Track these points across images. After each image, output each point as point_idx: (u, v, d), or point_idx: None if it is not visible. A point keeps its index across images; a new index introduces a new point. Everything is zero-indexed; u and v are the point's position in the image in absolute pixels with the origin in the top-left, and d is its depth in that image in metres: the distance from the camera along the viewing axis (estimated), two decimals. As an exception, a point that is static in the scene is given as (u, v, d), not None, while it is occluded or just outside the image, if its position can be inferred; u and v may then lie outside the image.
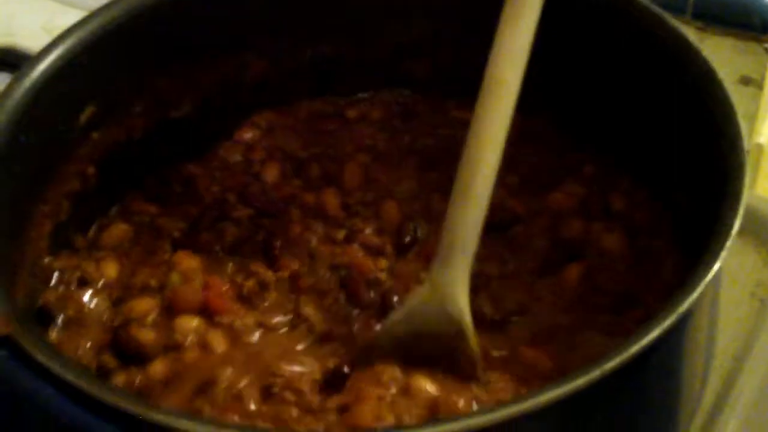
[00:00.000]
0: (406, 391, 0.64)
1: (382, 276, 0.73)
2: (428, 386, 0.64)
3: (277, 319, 0.71)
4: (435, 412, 0.62)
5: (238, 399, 0.65)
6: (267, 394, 0.65)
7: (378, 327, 0.69)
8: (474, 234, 0.65)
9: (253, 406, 0.64)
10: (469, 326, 0.65)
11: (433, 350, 0.65)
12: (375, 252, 0.75)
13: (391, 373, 0.64)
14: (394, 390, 0.64)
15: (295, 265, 0.73)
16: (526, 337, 0.69)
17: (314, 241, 0.75)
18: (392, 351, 0.65)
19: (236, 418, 0.63)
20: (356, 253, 0.74)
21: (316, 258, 0.74)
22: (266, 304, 0.72)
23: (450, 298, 0.64)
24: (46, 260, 0.73)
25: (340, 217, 0.77)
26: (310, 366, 0.67)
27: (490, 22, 0.69)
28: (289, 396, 0.64)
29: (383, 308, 0.70)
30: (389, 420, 0.61)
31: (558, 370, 0.66)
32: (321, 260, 0.74)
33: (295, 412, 0.64)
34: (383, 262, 0.74)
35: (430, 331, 0.65)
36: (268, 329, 0.70)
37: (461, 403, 0.63)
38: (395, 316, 0.67)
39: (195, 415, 0.62)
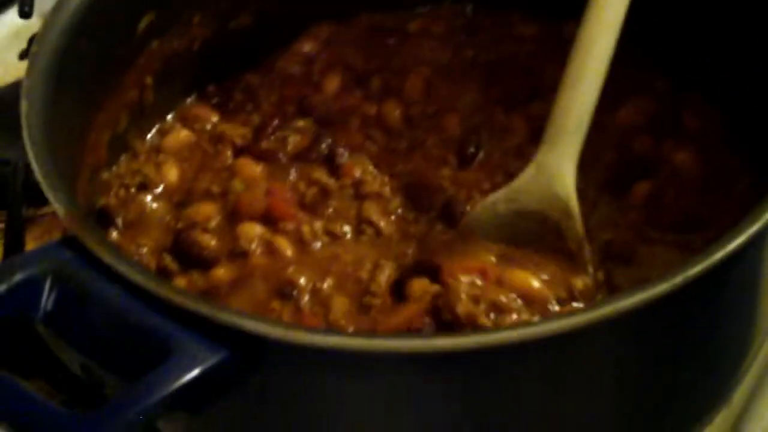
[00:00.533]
0: (500, 282, 0.63)
1: (446, 183, 0.72)
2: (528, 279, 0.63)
3: (343, 225, 0.70)
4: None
5: (324, 304, 0.65)
6: (357, 299, 0.65)
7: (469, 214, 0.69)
8: (584, 116, 0.65)
9: (342, 309, 0.64)
10: (575, 206, 0.65)
11: (536, 230, 0.64)
12: (437, 162, 0.73)
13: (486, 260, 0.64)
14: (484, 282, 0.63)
15: (357, 173, 0.72)
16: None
17: (376, 150, 0.74)
18: (493, 229, 0.65)
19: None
20: (419, 162, 0.73)
21: (379, 166, 0.73)
22: (330, 210, 0.71)
23: (557, 178, 0.65)
24: (107, 164, 0.73)
25: (402, 128, 0.76)
26: (387, 269, 0.66)
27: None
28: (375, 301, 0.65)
29: (447, 215, 0.69)
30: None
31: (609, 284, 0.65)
32: (383, 168, 0.73)
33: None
34: (446, 171, 0.73)
35: (534, 210, 0.65)
36: (334, 236, 0.69)
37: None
38: (499, 194, 0.67)
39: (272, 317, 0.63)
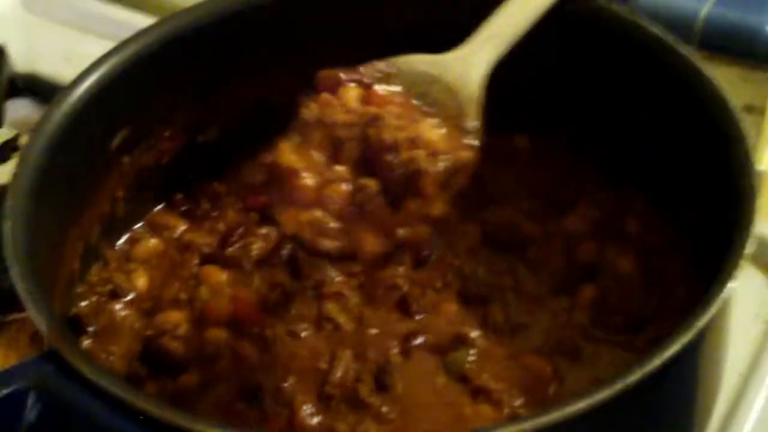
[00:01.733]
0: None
1: (401, 281, 0.76)
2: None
3: (304, 324, 0.73)
4: None
5: (287, 404, 0.68)
6: (322, 397, 0.68)
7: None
8: (513, 29, 0.73)
9: (307, 410, 0.67)
10: (480, 95, 0.71)
11: (440, 100, 0.70)
12: (394, 262, 0.77)
13: None
14: None
15: (317, 275, 0.76)
16: (533, 346, 0.72)
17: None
18: (408, 79, 0.70)
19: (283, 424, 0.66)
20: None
21: (338, 267, 0.76)
22: (293, 312, 0.74)
23: (474, 66, 0.71)
24: (79, 274, 0.76)
25: None
26: (346, 362, 0.70)
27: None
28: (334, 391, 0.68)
29: (402, 309, 0.74)
30: None
31: (559, 380, 0.70)
32: (342, 269, 0.76)
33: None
34: (402, 270, 0.77)
35: (447, 82, 0.71)
36: (295, 335, 0.73)
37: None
38: (426, 57, 0.72)
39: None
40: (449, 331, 0.73)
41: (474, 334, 0.72)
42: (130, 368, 0.71)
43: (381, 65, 0.70)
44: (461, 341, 0.72)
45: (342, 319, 0.73)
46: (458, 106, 0.70)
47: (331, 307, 0.74)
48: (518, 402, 0.69)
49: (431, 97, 0.71)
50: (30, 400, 0.55)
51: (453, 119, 0.70)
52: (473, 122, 0.70)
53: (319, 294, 0.75)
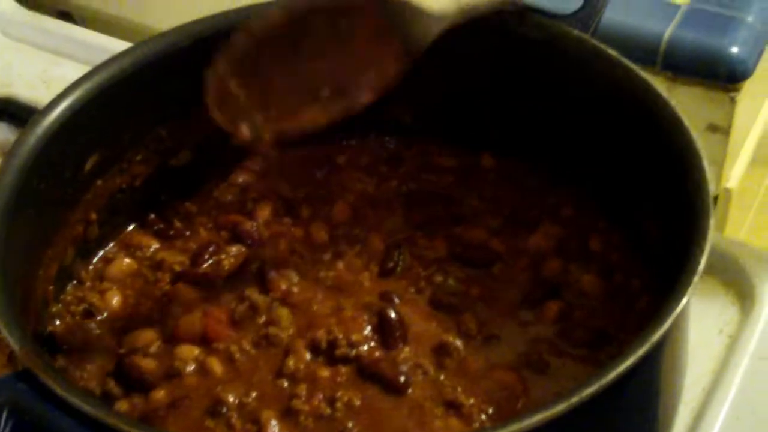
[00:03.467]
0: None
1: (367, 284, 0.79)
2: None
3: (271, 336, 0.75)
4: None
5: (254, 421, 0.69)
6: (287, 412, 0.69)
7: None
8: None
9: (273, 429, 0.69)
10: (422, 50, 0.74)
11: (396, 35, 0.73)
12: (359, 270, 0.80)
13: None
14: None
15: (284, 286, 0.78)
16: (504, 358, 0.73)
17: (301, 263, 0.80)
18: None
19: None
20: (341, 269, 0.80)
21: (304, 276, 0.79)
22: (260, 322, 0.76)
23: (434, 25, 0.73)
24: (54, 294, 0.77)
25: (327, 244, 0.82)
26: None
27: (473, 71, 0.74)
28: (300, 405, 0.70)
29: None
30: None
31: (525, 391, 0.71)
32: (308, 277, 0.79)
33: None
34: (366, 277, 0.79)
35: (405, 24, 0.73)
36: (259, 347, 0.74)
37: None
38: None
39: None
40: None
41: (455, 342, 0.74)
42: (104, 386, 0.72)
43: None
44: (444, 350, 0.74)
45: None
46: (401, 54, 0.72)
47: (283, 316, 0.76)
48: (488, 415, 0.70)
49: (388, 34, 0.73)
50: (3, 418, 0.56)
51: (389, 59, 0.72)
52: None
53: (285, 304, 0.77)
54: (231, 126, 0.75)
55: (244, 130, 0.75)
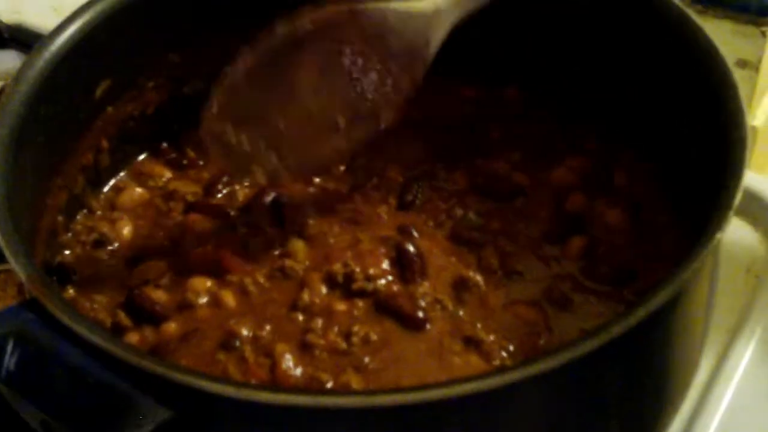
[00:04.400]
0: None
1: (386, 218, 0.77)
2: None
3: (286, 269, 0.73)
4: None
5: (268, 354, 0.67)
6: (302, 346, 0.68)
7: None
8: None
9: (288, 363, 0.67)
10: (430, 57, 0.72)
11: (394, 47, 0.71)
12: (377, 202, 0.78)
13: None
14: None
15: (300, 218, 0.76)
16: (526, 294, 0.72)
17: (318, 195, 0.79)
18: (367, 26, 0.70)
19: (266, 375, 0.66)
20: (359, 202, 0.78)
21: (321, 209, 0.77)
22: (275, 254, 0.74)
23: (435, 28, 0.72)
24: (64, 223, 0.76)
25: (345, 175, 0.81)
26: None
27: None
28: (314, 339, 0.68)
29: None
30: None
31: (549, 330, 0.70)
32: (325, 211, 0.77)
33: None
34: (384, 209, 0.77)
35: (406, 37, 0.71)
36: (275, 281, 0.73)
37: None
38: (388, 5, 0.71)
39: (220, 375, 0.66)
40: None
41: (475, 277, 0.72)
42: (114, 318, 0.71)
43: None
44: (463, 285, 0.72)
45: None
46: (409, 63, 0.70)
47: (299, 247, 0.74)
48: (508, 352, 0.68)
49: (385, 47, 0.70)
50: (9, 347, 0.55)
51: (397, 71, 0.69)
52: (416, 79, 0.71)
53: (301, 237, 0.75)
54: (243, 175, 0.74)
55: (259, 177, 0.73)
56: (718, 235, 0.58)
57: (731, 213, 0.59)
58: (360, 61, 0.72)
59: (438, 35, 0.71)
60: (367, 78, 0.72)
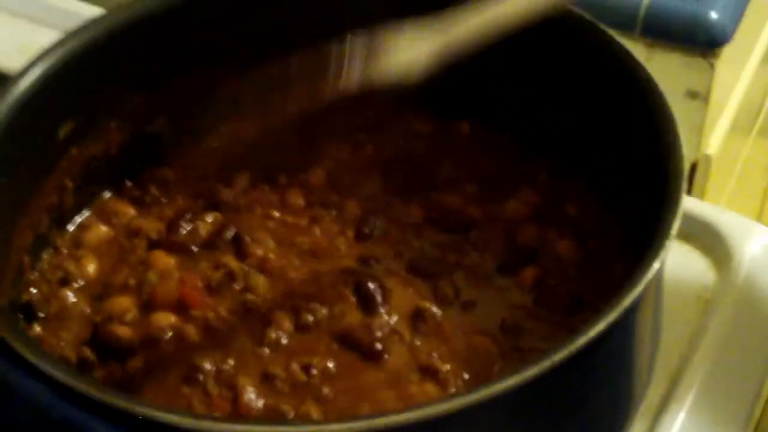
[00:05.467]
0: None
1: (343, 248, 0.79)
2: None
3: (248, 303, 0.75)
4: None
5: (230, 387, 0.69)
6: (263, 378, 0.70)
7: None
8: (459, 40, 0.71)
9: (249, 395, 0.69)
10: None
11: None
12: (335, 235, 0.80)
13: None
14: None
15: (260, 252, 0.78)
16: (481, 324, 0.74)
17: (277, 228, 0.81)
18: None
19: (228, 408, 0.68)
20: (317, 235, 0.80)
21: (280, 241, 0.79)
22: (238, 288, 0.76)
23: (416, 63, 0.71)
24: (30, 262, 0.77)
25: (303, 209, 0.83)
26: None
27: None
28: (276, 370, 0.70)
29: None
30: None
31: (502, 356, 0.72)
32: (284, 242, 0.79)
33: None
34: (342, 241, 0.80)
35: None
36: (238, 314, 0.74)
37: None
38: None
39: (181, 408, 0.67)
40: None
41: (431, 308, 0.74)
42: (80, 354, 0.72)
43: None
44: (420, 315, 0.74)
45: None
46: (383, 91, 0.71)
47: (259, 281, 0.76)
48: (464, 381, 0.70)
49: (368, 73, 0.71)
50: (-26, 386, 0.56)
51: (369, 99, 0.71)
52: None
53: (263, 270, 0.77)
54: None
55: None
56: (656, 265, 0.60)
57: (668, 244, 0.61)
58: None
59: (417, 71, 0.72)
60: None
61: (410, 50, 0.71)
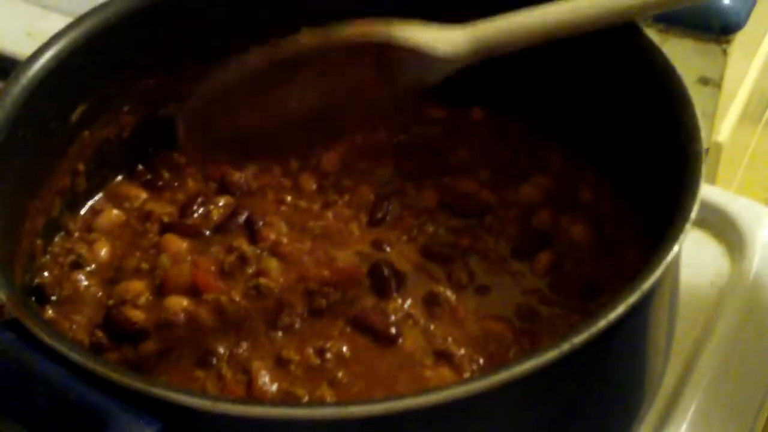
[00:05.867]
0: None
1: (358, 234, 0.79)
2: None
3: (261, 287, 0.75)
4: None
5: (244, 371, 0.69)
6: (277, 362, 0.69)
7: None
8: (501, 32, 0.71)
9: (264, 378, 0.69)
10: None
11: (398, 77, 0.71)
12: (348, 219, 0.80)
13: None
14: None
15: (272, 236, 0.78)
16: (495, 309, 0.74)
17: (290, 212, 0.81)
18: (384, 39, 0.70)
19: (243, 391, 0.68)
20: (329, 219, 0.80)
21: (293, 225, 0.79)
22: (250, 271, 0.76)
23: (444, 68, 0.71)
24: (42, 246, 0.77)
25: (316, 194, 0.83)
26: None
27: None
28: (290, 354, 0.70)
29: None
30: None
31: (516, 341, 0.71)
32: (296, 226, 0.79)
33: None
34: (355, 226, 0.79)
35: (408, 64, 0.70)
36: (251, 298, 0.74)
37: None
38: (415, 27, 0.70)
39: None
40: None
41: (445, 292, 0.74)
42: (93, 337, 0.72)
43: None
44: (435, 300, 0.74)
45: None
46: (402, 93, 0.71)
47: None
48: (479, 365, 0.70)
49: (390, 76, 0.71)
50: (-9, 367, 0.56)
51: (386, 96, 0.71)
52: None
53: (275, 254, 0.77)
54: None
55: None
56: (675, 249, 0.60)
57: (687, 227, 0.61)
58: (355, 81, 0.72)
59: (443, 75, 0.72)
60: (354, 94, 0.73)
61: (446, 40, 0.70)
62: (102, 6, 0.78)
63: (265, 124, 0.72)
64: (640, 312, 0.61)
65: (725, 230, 0.91)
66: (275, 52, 0.70)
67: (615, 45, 0.76)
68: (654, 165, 0.72)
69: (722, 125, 1.19)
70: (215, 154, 0.75)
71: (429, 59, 0.70)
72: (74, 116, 0.77)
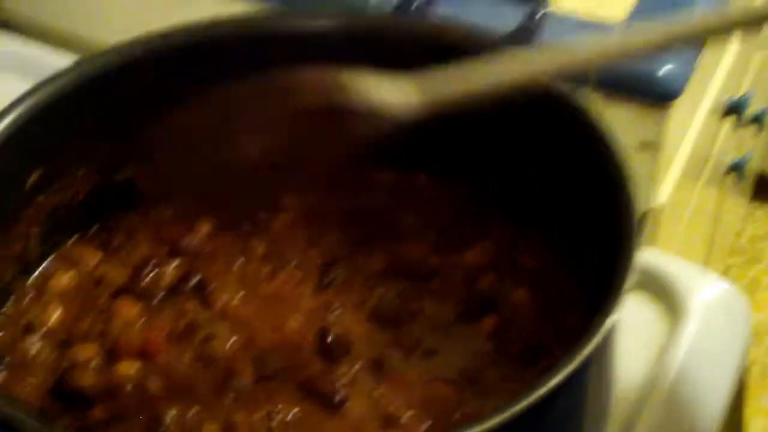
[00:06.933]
0: None
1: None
2: None
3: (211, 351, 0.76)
4: None
5: None
6: (227, 427, 0.70)
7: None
8: (451, 85, 0.69)
9: None
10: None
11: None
12: (298, 282, 0.82)
13: None
14: None
15: (224, 299, 0.79)
16: (442, 372, 0.75)
17: (241, 276, 0.82)
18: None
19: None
20: (280, 282, 0.81)
21: (244, 288, 0.81)
22: (202, 335, 0.77)
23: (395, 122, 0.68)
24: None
25: (267, 258, 0.84)
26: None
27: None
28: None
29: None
30: None
31: (462, 404, 0.72)
32: (248, 289, 0.80)
33: None
34: (306, 289, 0.81)
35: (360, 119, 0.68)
36: (201, 362, 0.75)
37: None
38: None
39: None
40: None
41: (392, 356, 0.75)
42: (44, 402, 0.73)
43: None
44: (382, 363, 0.75)
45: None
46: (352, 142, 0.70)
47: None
48: (425, 428, 0.71)
49: (341, 127, 0.70)
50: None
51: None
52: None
53: (226, 316, 0.78)
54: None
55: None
56: (611, 319, 0.62)
57: (624, 297, 0.63)
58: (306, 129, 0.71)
59: (391, 131, 0.69)
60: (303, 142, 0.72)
61: (397, 94, 0.68)
62: (60, 73, 0.79)
63: (218, 171, 0.72)
64: (578, 379, 0.63)
65: (664, 292, 0.93)
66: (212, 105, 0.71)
67: (553, 112, 0.77)
68: (593, 234, 0.73)
69: (663, 187, 1.22)
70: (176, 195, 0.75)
71: (382, 119, 0.70)
72: (29, 182, 0.78)
